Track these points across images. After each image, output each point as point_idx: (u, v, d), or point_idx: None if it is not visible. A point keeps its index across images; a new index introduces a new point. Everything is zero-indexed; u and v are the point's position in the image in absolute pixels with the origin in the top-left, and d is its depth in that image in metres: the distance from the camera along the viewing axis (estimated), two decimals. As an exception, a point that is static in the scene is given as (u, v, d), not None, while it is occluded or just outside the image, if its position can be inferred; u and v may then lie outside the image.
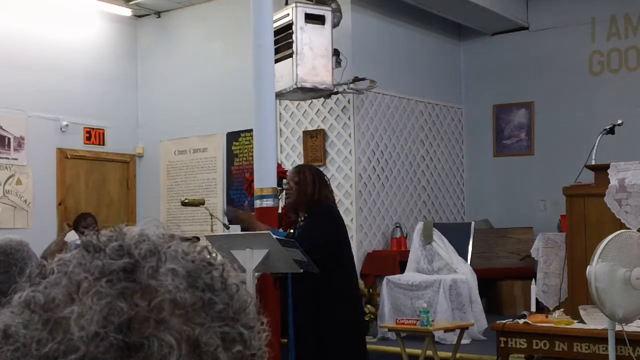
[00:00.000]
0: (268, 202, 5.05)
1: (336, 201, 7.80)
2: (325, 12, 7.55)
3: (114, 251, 0.66)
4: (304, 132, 8.57)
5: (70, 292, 0.64)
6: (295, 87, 7.30)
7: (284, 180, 4.69)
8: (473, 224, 7.70)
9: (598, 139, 6.43)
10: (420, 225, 7.66)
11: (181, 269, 0.66)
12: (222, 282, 0.68)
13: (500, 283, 8.43)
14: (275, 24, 6.46)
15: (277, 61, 5.90)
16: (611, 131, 6.52)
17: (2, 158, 8.61)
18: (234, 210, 5.11)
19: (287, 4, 7.71)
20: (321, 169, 8.32)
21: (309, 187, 4.51)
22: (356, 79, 7.99)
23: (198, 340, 0.63)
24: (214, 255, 0.71)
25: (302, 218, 4.56)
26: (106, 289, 0.63)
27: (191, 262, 0.68)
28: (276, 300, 5.10)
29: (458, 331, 5.98)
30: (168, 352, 0.61)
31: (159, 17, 10.00)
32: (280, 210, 5.60)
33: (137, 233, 0.69)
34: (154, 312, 0.62)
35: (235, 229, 7.92)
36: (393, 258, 8.02)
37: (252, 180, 5.38)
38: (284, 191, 4.67)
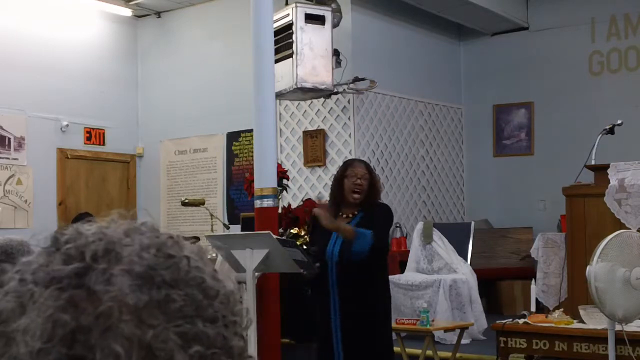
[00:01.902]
0: (268, 202, 5.04)
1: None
2: (325, 12, 7.55)
3: (67, 253, 0.63)
4: (304, 132, 8.58)
5: (23, 303, 0.61)
6: (295, 87, 7.31)
7: (357, 177, 4.46)
8: (473, 224, 7.70)
9: (598, 139, 6.43)
10: (420, 225, 7.66)
11: (136, 266, 0.62)
12: (184, 274, 0.64)
13: (500, 283, 8.43)
14: (275, 24, 6.47)
15: (277, 61, 5.90)
16: (611, 131, 6.52)
17: (3, 158, 8.61)
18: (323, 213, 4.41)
19: (287, 4, 7.72)
20: (321, 169, 8.38)
21: (379, 186, 4.46)
22: (356, 79, 7.99)
23: (151, 345, 0.60)
24: (182, 244, 0.67)
25: (348, 215, 4.40)
26: (51, 300, 0.60)
27: (149, 257, 0.64)
28: (278, 301, 5.08)
29: (458, 331, 5.98)
30: None
31: (159, 17, 10.00)
32: (280, 210, 5.60)
33: (95, 230, 0.65)
34: (100, 320, 0.59)
35: (236, 229, 7.94)
36: (393, 258, 8.01)
37: (252, 180, 5.38)
38: (359, 187, 4.44)
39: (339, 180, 4.44)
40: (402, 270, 7.57)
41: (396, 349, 5.92)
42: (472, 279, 7.04)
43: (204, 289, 0.64)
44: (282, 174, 6.91)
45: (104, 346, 0.58)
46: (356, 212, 4.33)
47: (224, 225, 7.93)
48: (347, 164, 4.56)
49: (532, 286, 5.15)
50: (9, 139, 8.69)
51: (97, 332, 0.59)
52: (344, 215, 4.34)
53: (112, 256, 0.63)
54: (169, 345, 0.60)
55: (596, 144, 6.37)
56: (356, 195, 4.35)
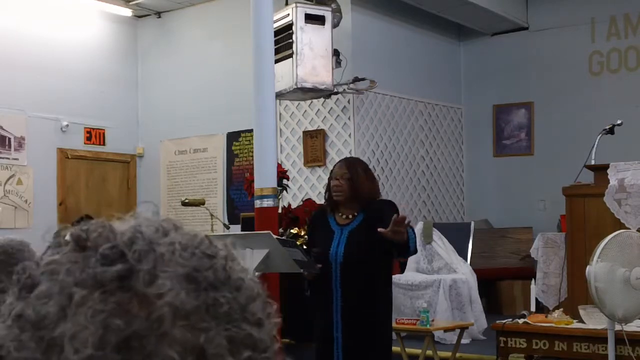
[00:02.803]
0: (268, 202, 5.04)
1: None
2: (325, 12, 7.55)
3: (106, 254, 0.59)
4: (304, 132, 8.58)
5: (63, 306, 0.58)
6: (295, 87, 7.31)
7: (333, 177, 4.38)
8: (473, 224, 7.70)
9: (598, 139, 6.43)
10: (420, 225, 7.66)
11: (180, 268, 0.60)
12: (226, 276, 0.62)
13: (500, 283, 8.43)
14: (275, 24, 6.47)
15: (277, 61, 5.91)
16: (611, 131, 6.52)
17: (3, 158, 8.61)
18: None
19: (287, 4, 7.72)
20: (321, 169, 8.38)
21: (364, 184, 4.23)
22: (356, 79, 7.99)
23: (204, 349, 0.58)
24: (215, 243, 0.65)
25: (348, 216, 4.37)
26: (100, 304, 0.57)
27: (191, 258, 0.61)
28: (278, 301, 5.09)
29: (458, 331, 5.98)
30: None
31: (159, 17, 10.00)
32: (280, 210, 5.60)
33: (130, 229, 0.62)
34: (153, 326, 0.57)
35: (236, 229, 7.94)
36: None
37: (252, 180, 5.38)
38: (332, 188, 4.37)
39: (328, 182, 4.45)
40: (402, 270, 7.57)
41: (396, 349, 5.92)
42: (472, 279, 7.05)
43: (245, 291, 0.62)
44: (282, 174, 6.91)
45: (158, 352, 0.56)
46: (356, 214, 4.29)
47: (224, 225, 7.94)
48: (334, 165, 4.54)
49: (532, 286, 5.15)
50: (9, 139, 8.69)
51: (152, 338, 0.56)
52: (344, 216, 4.32)
53: (154, 257, 0.60)
54: (221, 351, 0.58)
55: (596, 144, 6.37)
56: (335, 196, 4.32)
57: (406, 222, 3.98)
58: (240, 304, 0.61)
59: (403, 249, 4.07)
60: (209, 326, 0.58)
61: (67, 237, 0.63)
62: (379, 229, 3.93)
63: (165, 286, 0.58)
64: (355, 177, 4.24)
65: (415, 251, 4.22)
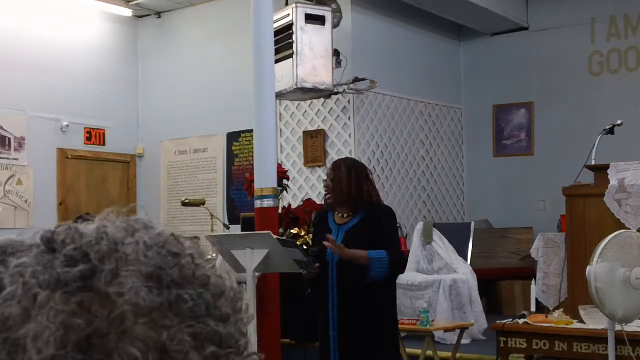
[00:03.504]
0: (268, 202, 5.04)
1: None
2: (325, 12, 7.55)
3: (69, 255, 0.60)
4: (304, 132, 8.58)
5: (27, 307, 0.59)
6: (295, 87, 7.31)
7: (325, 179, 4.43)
8: (473, 224, 7.70)
9: (598, 139, 6.43)
10: (420, 225, 7.66)
11: (144, 266, 0.60)
12: (191, 273, 0.62)
13: (500, 283, 8.43)
14: (275, 24, 6.47)
15: (277, 61, 5.90)
16: (611, 131, 6.52)
17: (3, 158, 8.61)
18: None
19: (287, 4, 7.72)
20: (321, 169, 8.37)
21: (343, 184, 4.24)
22: (356, 79, 8.00)
23: (165, 346, 0.58)
24: (182, 241, 0.65)
25: (344, 215, 4.35)
26: (61, 304, 0.58)
27: (155, 256, 0.62)
28: (278, 301, 5.08)
29: (458, 331, 5.98)
30: None
31: (159, 17, 10.01)
32: (280, 210, 5.60)
33: (95, 229, 0.63)
34: (114, 323, 0.58)
35: (236, 229, 7.94)
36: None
37: (252, 180, 5.38)
38: (326, 189, 4.41)
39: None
40: (402, 270, 7.56)
41: (396, 348, 5.93)
42: (472, 279, 7.05)
43: (211, 287, 0.63)
44: (282, 174, 6.91)
45: (120, 350, 0.57)
46: (351, 214, 4.30)
47: (224, 225, 7.94)
48: None
49: (532, 286, 5.15)
50: (9, 139, 8.69)
51: (112, 336, 0.58)
52: (340, 215, 4.33)
53: (117, 256, 0.61)
54: (184, 347, 0.59)
55: (596, 144, 6.37)
56: (325, 198, 4.35)
57: (329, 245, 4.03)
58: (205, 300, 0.62)
59: (363, 272, 4.09)
60: (171, 323, 0.59)
61: (37, 239, 0.64)
62: (324, 242, 4.04)
63: (126, 285, 0.59)
64: (336, 178, 4.26)
65: (378, 280, 4.13)
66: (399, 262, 4.27)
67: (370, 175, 4.39)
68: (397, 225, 8.38)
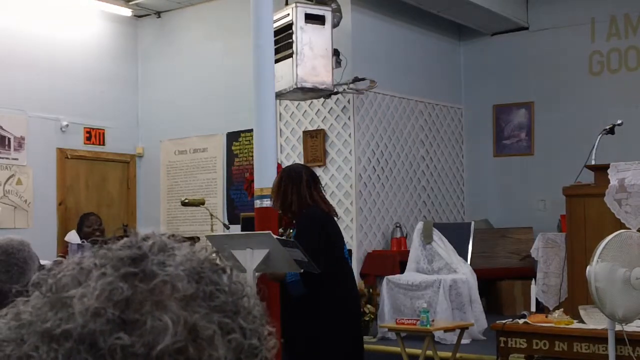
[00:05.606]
0: (268, 202, 5.04)
1: (335, 201, 7.84)
2: (325, 12, 7.55)
3: (124, 244, 0.70)
4: (304, 132, 8.58)
5: (79, 279, 0.68)
6: (295, 87, 7.31)
7: None
8: (473, 224, 7.70)
9: (598, 139, 6.43)
10: (420, 225, 7.66)
11: (189, 263, 0.69)
12: (229, 283, 0.71)
13: (500, 283, 8.43)
14: (275, 24, 6.47)
15: (277, 61, 5.90)
16: (611, 131, 6.52)
17: (3, 158, 8.61)
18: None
19: (287, 4, 7.72)
20: (321, 169, 8.37)
21: (273, 195, 4.41)
22: (356, 79, 7.99)
23: (195, 325, 0.65)
24: (224, 261, 0.76)
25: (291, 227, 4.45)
26: (110, 271, 0.67)
27: (199, 262, 0.71)
28: (278, 301, 5.08)
29: (458, 331, 5.98)
30: (163, 330, 0.64)
31: (159, 17, 10.00)
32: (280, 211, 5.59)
33: (149, 233, 0.73)
34: (153, 293, 0.66)
35: (236, 229, 7.93)
36: (393, 258, 8.02)
37: (252, 180, 5.37)
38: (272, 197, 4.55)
39: None
40: (402, 270, 7.57)
41: (396, 349, 5.93)
42: (472, 279, 7.04)
43: (245, 299, 0.71)
44: (282, 174, 6.90)
45: (155, 315, 0.65)
46: (294, 223, 4.42)
47: (224, 225, 7.93)
48: None
49: (532, 286, 5.15)
50: (9, 139, 8.69)
51: (149, 302, 0.65)
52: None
53: (167, 252, 0.70)
54: (212, 330, 0.66)
55: (596, 144, 6.37)
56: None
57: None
58: (236, 305, 0.70)
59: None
60: (203, 310, 0.67)
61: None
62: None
63: (170, 272, 0.68)
64: (273, 189, 4.39)
65: (296, 292, 4.20)
66: (319, 279, 4.17)
67: (306, 182, 4.34)
68: (397, 225, 8.41)
